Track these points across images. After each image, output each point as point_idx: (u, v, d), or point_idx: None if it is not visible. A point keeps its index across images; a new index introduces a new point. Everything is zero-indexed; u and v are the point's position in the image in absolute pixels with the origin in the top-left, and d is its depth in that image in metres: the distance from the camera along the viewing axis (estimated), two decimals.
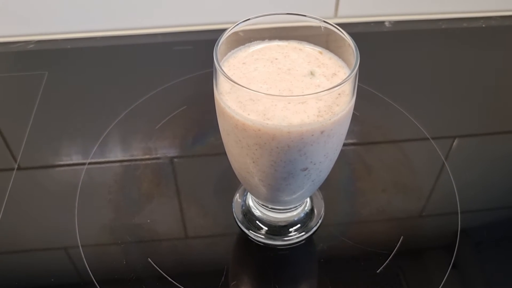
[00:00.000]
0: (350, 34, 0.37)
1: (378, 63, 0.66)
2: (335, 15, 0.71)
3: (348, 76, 0.34)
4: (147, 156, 0.54)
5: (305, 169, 0.37)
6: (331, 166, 0.40)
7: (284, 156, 0.35)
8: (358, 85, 0.36)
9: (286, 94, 0.36)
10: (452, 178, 0.51)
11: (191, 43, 0.69)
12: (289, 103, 0.34)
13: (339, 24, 0.38)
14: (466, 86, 0.64)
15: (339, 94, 0.35)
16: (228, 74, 0.37)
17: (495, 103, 0.63)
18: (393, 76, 0.66)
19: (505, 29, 0.73)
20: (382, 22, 0.72)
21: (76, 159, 0.54)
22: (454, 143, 0.56)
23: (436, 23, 0.73)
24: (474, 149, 0.58)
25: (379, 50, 0.69)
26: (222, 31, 0.37)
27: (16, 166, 0.53)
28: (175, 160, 0.54)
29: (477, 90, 0.64)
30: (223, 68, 0.38)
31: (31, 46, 0.69)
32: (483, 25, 0.73)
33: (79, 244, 0.46)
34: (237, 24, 0.38)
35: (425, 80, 0.65)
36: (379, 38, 0.71)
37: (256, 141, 0.35)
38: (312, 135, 0.34)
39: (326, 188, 0.49)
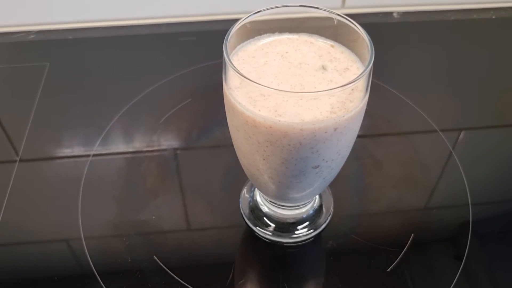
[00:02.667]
0: None
1: (386, 55, 0.65)
2: (343, 6, 0.70)
3: (363, 72, 0.33)
4: (151, 150, 0.53)
5: (316, 167, 0.36)
6: (343, 163, 0.39)
7: (296, 154, 0.34)
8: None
9: (297, 90, 0.34)
10: (462, 171, 0.50)
11: (196, 34, 0.68)
12: (301, 99, 0.33)
13: (346, 15, 0.37)
14: (475, 78, 0.63)
15: (352, 89, 0.34)
16: (237, 68, 0.36)
17: (505, 95, 0.61)
18: (401, 68, 0.64)
19: None
20: (391, 13, 0.71)
21: (79, 151, 0.53)
22: (463, 136, 0.55)
23: (445, 14, 0.72)
24: (483, 141, 0.56)
25: (387, 42, 0.68)
26: (228, 21, 0.36)
27: (18, 158, 0.52)
28: (180, 154, 0.53)
29: (486, 82, 0.63)
30: (232, 61, 0.37)
31: (32, 36, 0.67)
32: (493, 16, 0.71)
33: (82, 238, 0.45)
34: (248, 17, 0.37)
35: (434, 72, 0.64)
36: (387, 29, 0.70)
37: (267, 138, 0.33)
38: (325, 132, 0.33)
39: (335, 183, 0.47)
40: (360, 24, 0.36)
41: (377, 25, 0.70)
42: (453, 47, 0.68)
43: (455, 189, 0.50)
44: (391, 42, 0.68)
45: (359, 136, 0.37)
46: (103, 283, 0.42)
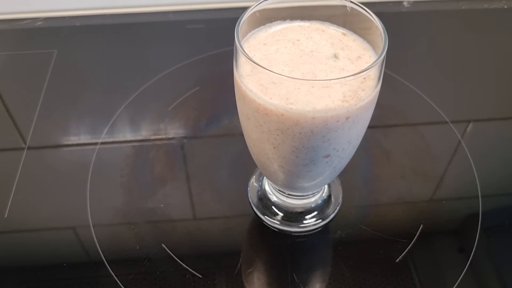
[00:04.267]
0: None
1: (396, 44, 0.64)
2: None
3: (376, 60, 0.32)
4: (159, 138, 0.53)
5: (327, 156, 0.36)
6: (353, 152, 0.39)
7: (307, 142, 0.34)
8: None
9: (309, 77, 0.34)
10: (472, 162, 0.50)
11: (204, 21, 0.67)
12: (313, 87, 0.33)
13: (356, 4, 0.37)
14: (486, 69, 0.62)
15: (364, 78, 0.34)
16: (249, 55, 0.36)
17: None
18: (411, 58, 0.64)
19: None
20: (401, 2, 0.70)
21: (87, 139, 0.53)
22: (473, 127, 0.55)
23: (456, 3, 0.71)
24: (494, 133, 0.56)
25: (397, 31, 0.67)
26: (236, 9, 0.36)
27: (26, 146, 0.52)
28: (188, 142, 0.53)
29: (497, 73, 0.62)
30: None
31: (40, 23, 0.67)
32: (505, 6, 0.70)
33: (91, 225, 0.45)
34: (259, 3, 0.36)
35: (444, 63, 0.63)
36: (397, 19, 0.69)
37: (278, 126, 0.33)
38: (337, 121, 0.32)
39: (344, 173, 0.47)
40: None
41: (387, 14, 0.69)
42: (464, 37, 0.67)
43: (465, 180, 0.49)
44: (401, 32, 0.67)
45: (368, 127, 0.37)
46: (112, 270, 0.42)
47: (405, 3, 0.70)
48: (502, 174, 0.51)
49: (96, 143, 0.52)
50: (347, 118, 0.33)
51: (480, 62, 0.63)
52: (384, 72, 0.33)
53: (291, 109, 0.32)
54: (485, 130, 0.56)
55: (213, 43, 0.63)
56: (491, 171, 0.50)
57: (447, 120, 0.54)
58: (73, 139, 0.53)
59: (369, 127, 0.37)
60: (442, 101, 0.56)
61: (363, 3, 0.69)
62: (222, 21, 0.66)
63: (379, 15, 0.36)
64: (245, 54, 0.32)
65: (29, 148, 0.52)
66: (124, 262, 0.43)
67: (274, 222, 0.45)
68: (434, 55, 0.64)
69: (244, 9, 0.36)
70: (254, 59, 0.35)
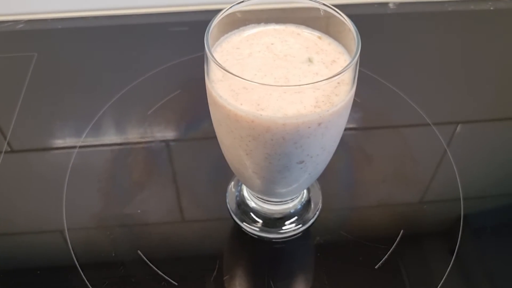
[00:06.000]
0: (352, 16, 0.35)
1: (381, 47, 0.63)
2: None
3: (348, 65, 0.32)
4: (138, 142, 0.52)
5: (301, 162, 0.35)
6: (329, 158, 0.38)
7: (279, 149, 0.33)
8: (359, 70, 0.34)
9: (282, 82, 0.33)
10: (454, 165, 0.49)
11: (187, 24, 0.67)
12: (285, 92, 0.32)
13: (341, 5, 0.36)
14: (472, 71, 0.62)
15: (338, 83, 0.33)
16: (220, 60, 0.35)
17: (500, 88, 0.60)
18: (396, 60, 0.63)
19: None
20: (386, 4, 0.70)
21: (65, 143, 0.52)
22: (456, 129, 0.54)
23: (442, 5, 0.70)
24: (476, 135, 0.55)
25: (382, 33, 0.66)
26: (219, 11, 0.35)
27: (3, 149, 0.51)
28: (168, 147, 0.52)
29: (483, 75, 0.61)
30: (215, 53, 0.36)
31: (20, 26, 0.66)
32: (491, 8, 0.70)
33: (66, 229, 0.44)
34: (230, 7, 0.35)
35: (430, 65, 0.62)
36: (383, 21, 0.68)
37: (249, 132, 0.33)
38: (309, 127, 0.32)
39: (324, 177, 0.46)
40: (354, 15, 0.35)
41: (372, 16, 0.68)
42: (450, 39, 0.66)
43: (446, 183, 0.49)
44: (386, 34, 0.67)
45: (349, 129, 0.36)
46: (85, 276, 0.41)
47: (390, 5, 0.70)
48: (484, 176, 0.50)
49: (74, 147, 0.51)
50: (319, 124, 0.32)
51: (465, 64, 0.63)
52: (368, 74, 0.32)
53: (261, 115, 0.31)
54: (467, 132, 0.55)
55: (196, 45, 0.62)
56: (473, 173, 0.50)
57: (429, 122, 0.54)
58: (51, 143, 0.52)
59: (350, 129, 0.36)
60: (425, 104, 0.55)
61: (347, 4, 0.69)
62: (206, 23, 0.65)
63: (364, 16, 0.35)
64: (214, 60, 0.32)
65: (6, 152, 0.51)
66: (98, 268, 0.42)
67: (253, 229, 0.44)
68: (420, 57, 0.64)
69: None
70: (226, 64, 0.35)
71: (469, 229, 0.44)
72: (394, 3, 0.70)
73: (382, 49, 0.63)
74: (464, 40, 0.66)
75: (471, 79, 0.61)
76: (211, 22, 0.34)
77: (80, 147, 0.51)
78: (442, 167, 0.50)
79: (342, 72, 0.31)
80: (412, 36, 0.67)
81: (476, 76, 0.61)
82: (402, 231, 0.44)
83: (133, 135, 0.53)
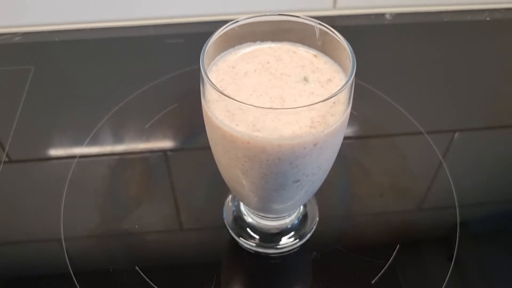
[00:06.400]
0: (348, 27, 0.35)
1: (379, 57, 0.64)
2: (334, 7, 0.68)
3: (343, 85, 0.32)
4: (137, 155, 0.52)
5: (297, 181, 0.35)
6: (325, 176, 0.38)
7: (275, 169, 0.33)
8: (356, 81, 0.34)
9: (277, 102, 0.34)
10: (449, 175, 0.50)
11: (183, 36, 0.67)
12: (281, 113, 0.32)
13: (338, 16, 0.36)
14: (468, 81, 0.62)
15: (334, 102, 0.33)
16: (216, 79, 0.35)
17: (495, 98, 0.60)
18: (394, 71, 0.63)
19: (510, 22, 0.70)
20: (383, 14, 0.70)
21: (63, 157, 0.52)
22: (452, 138, 0.54)
23: (438, 15, 0.70)
24: (471, 143, 0.56)
25: (380, 44, 0.66)
26: (216, 23, 0.35)
27: (3, 160, 0.51)
28: (165, 161, 0.52)
29: (479, 85, 0.62)
30: (211, 72, 0.36)
31: (17, 39, 0.66)
32: (488, 18, 0.70)
33: (64, 244, 0.44)
34: (226, 26, 0.36)
35: (427, 75, 0.62)
36: (380, 31, 0.69)
37: (245, 153, 0.33)
38: (304, 148, 0.32)
39: (320, 192, 0.47)
40: (351, 26, 0.35)
41: (369, 27, 0.68)
42: (447, 49, 0.66)
43: (442, 195, 0.49)
44: (383, 44, 0.67)
45: (344, 142, 0.37)
46: None
47: (387, 16, 0.70)
48: (479, 186, 0.51)
49: (74, 157, 0.51)
50: (314, 145, 0.32)
51: (462, 74, 0.63)
52: (364, 86, 0.32)
53: (257, 136, 0.31)
54: (462, 141, 0.55)
55: (192, 58, 0.62)
56: (468, 184, 0.50)
57: (422, 131, 0.54)
58: (49, 155, 0.53)
59: (345, 141, 0.36)
60: (422, 114, 0.56)
61: (344, 16, 0.69)
62: (202, 35, 0.65)
63: (361, 27, 0.35)
64: (210, 82, 0.32)
65: (5, 162, 0.51)
66: (96, 284, 0.42)
67: (250, 244, 0.44)
68: (417, 68, 0.64)
69: (224, 22, 0.36)
70: (222, 83, 0.35)
71: (464, 246, 0.44)
72: (391, 14, 0.70)
73: (381, 61, 0.63)
74: (460, 51, 0.66)
75: (468, 89, 0.61)
76: (206, 42, 0.34)
77: (78, 160, 0.51)
78: (438, 178, 0.50)
79: (338, 93, 0.31)
80: (410, 47, 0.67)
81: (473, 85, 0.61)
82: (398, 245, 0.44)
83: (130, 150, 0.53)
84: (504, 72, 0.64)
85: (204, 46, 0.34)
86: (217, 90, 0.31)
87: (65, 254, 0.44)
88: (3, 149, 0.52)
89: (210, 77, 0.32)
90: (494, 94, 0.61)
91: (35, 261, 0.45)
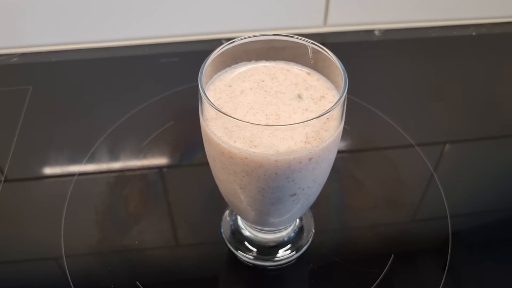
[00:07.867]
0: (339, 44, 0.36)
1: (369, 73, 0.66)
2: (325, 24, 0.70)
3: (336, 102, 0.33)
4: (134, 174, 0.53)
5: (293, 195, 0.36)
6: (320, 189, 0.39)
7: (272, 183, 0.34)
8: (348, 97, 0.35)
9: (273, 119, 0.35)
10: (440, 187, 0.51)
11: (178, 54, 0.68)
12: (276, 129, 0.33)
13: (328, 33, 0.37)
14: (457, 94, 0.64)
15: (327, 118, 0.34)
16: (214, 98, 0.37)
17: (483, 110, 0.62)
18: (384, 86, 0.65)
19: (495, 37, 0.73)
20: (372, 31, 0.72)
21: (62, 175, 0.53)
22: (442, 149, 0.56)
23: (426, 31, 0.73)
24: (460, 154, 0.57)
25: (370, 60, 0.68)
26: (210, 42, 0.37)
27: (3, 178, 0.52)
28: (163, 178, 0.53)
29: (467, 98, 0.63)
30: (209, 91, 0.38)
31: (15, 59, 0.67)
32: (474, 33, 0.72)
33: (65, 262, 0.45)
34: (223, 47, 0.37)
35: (417, 89, 0.64)
36: (369, 47, 0.71)
37: (243, 168, 0.34)
38: (300, 162, 0.33)
39: (315, 204, 0.48)
40: (341, 42, 0.36)
41: (358, 43, 0.70)
42: (435, 63, 0.68)
43: (434, 206, 0.50)
44: (373, 60, 0.69)
45: (337, 156, 0.38)
46: None
47: (376, 32, 0.72)
48: (470, 196, 0.52)
49: (73, 175, 0.52)
50: (310, 160, 0.34)
51: (449, 88, 0.65)
52: (356, 101, 0.33)
53: (254, 152, 0.33)
54: (452, 152, 0.57)
55: (187, 76, 0.64)
56: (459, 194, 0.52)
57: (414, 144, 0.55)
58: (47, 174, 0.53)
59: (339, 155, 0.37)
60: (413, 128, 0.57)
61: (334, 32, 0.70)
62: (196, 54, 0.67)
63: (350, 43, 0.37)
64: (208, 101, 0.33)
65: (5, 181, 0.52)
66: None
67: (248, 257, 0.45)
68: (405, 82, 0.66)
69: (218, 41, 0.37)
70: (219, 102, 0.36)
71: (457, 254, 0.46)
72: (379, 30, 0.72)
73: (370, 76, 0.65)
74: (447, 65, 0.68)
75: (456, 102, 0.63)
76: (204, 62, 0.36)
77: (77, 179, 0.52)
78: (429, 189, 0.51)
79: (331, 110, 0.32)
80: (398, 62, 0.69)
81: (460, 99, 0.63)
82: (392, 255, 0.45)
83: (128, 168, 0.54)
84: (491, 85, 0.66)
85: (202, 66, 0.35)
86: (215, 108, 0.32)
87: (67, 271, 0.44)
88: (3, 169, 0.53)
89: (208, 96, 0.34)
90: (482, 106, 0.63)
91: (37, 280, 0.45)
